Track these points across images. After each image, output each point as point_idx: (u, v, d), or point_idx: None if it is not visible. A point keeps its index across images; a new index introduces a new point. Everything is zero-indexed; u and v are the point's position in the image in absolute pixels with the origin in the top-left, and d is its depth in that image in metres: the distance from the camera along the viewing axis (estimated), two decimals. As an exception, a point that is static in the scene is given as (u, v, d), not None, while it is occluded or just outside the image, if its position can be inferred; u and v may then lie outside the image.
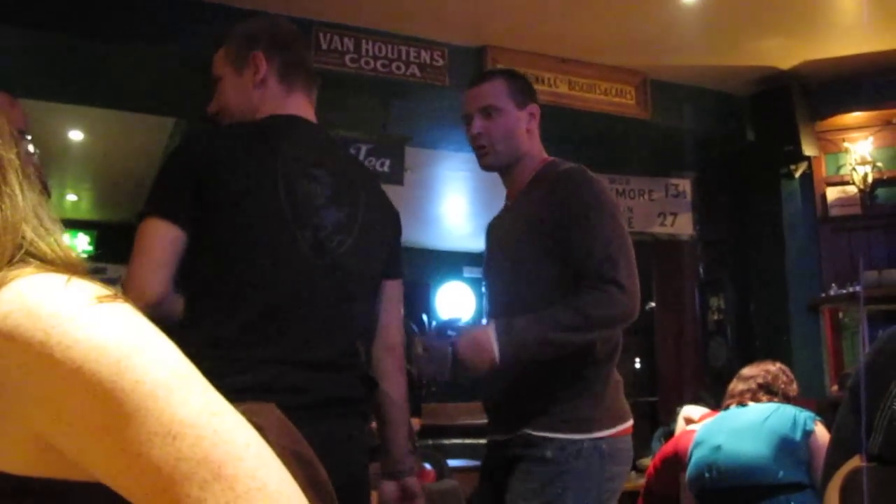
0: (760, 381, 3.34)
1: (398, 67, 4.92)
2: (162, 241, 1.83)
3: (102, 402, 0.70)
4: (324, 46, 4.74)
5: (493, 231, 2.62)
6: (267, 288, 1.85)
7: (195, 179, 1.85)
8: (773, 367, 3.43)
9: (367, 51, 4.84)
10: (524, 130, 2.47)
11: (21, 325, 0.70)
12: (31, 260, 0.78)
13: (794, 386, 3.42)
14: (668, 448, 3.83)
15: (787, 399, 3.32)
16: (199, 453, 0.70)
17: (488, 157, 2.48)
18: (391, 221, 2.16)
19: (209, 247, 1.85)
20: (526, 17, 4.83)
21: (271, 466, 0.73)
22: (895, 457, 0.82)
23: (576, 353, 2.27)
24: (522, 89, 2.51)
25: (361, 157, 5.27)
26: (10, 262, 0.77)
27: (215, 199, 1.85)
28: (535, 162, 2.49)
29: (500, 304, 2.44)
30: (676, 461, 3.62)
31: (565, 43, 5.15)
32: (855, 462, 0.90)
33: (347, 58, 4.79)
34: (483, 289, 2.70)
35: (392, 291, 2.16)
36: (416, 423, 4.99)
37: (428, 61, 5.00)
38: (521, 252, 2.37)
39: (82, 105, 5.42)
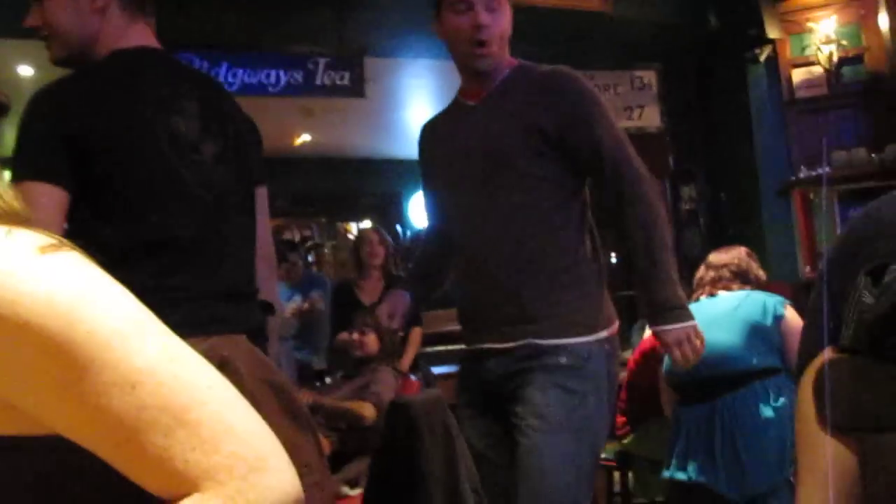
0: (734, 269, 3.35)
1: (350, -25, 4.79)
2: (47, 205, 1.69)
3: (55, 356, 0.68)
4: (272, -41, 4.59)
5: (447, 135, 2.42)
6: (171, 230, 1.78)
7: (64, 135, 1.73)
8: (743, 253, 3.43)
9: (317, -40, 4.70)
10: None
11: None
12: None
13: (762, 271, 3.44)
14: (645, 343, 3.88)
15: (758, 284, 3.34)
16: (160, 401, 0.68)
17: (486, 59, 2.28)
18: (255, 136, 2.08)
19: (98, 201, 1.76)
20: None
21: (236, 407, 0.72)
22: (867, 349, 0.81)
23: (566, 252, 2.22)
24: None
25: (319, 71, 5.17)
26: None
27: (90, 152, 1.74)
28: (503, 63, 2.33)
29: (479, 213, 2.29)
30: (654, 354, 3.67)
31: (520, -62, 5.02)
32: (828, 353, 0.90)
33: (297, -31, 4.65)
34: (433, 200, 2.53)
35: (261, 200, 2.06)
36: (417, 333, 4.99)
37: (381, -33, 4.87)
38: (510, 156, 2.22)
39: (31, 39, 5.24)
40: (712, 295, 3.33)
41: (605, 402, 2.22)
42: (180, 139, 1.83)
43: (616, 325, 2.31)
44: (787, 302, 3.18)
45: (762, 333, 3.09)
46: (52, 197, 1.70)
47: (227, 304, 1.79)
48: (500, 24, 2.27)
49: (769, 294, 3.22)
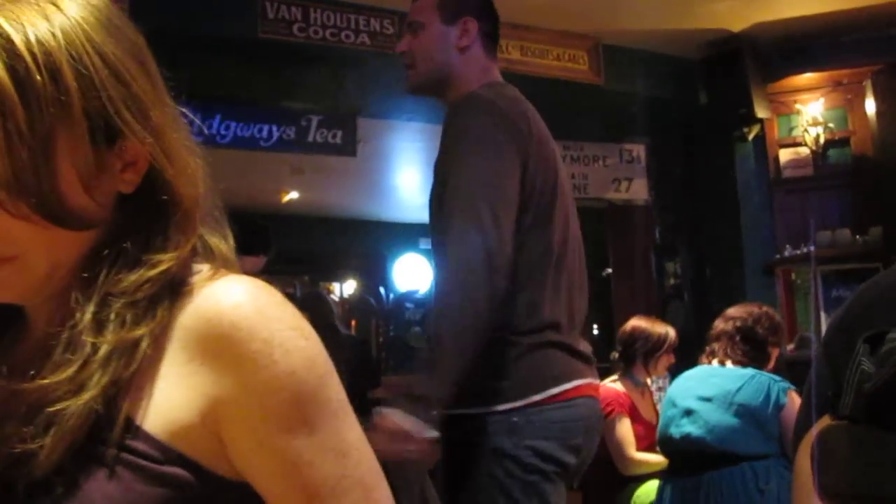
0: (739, 324, 3.27)
1: (347, 36, 4.83)
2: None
3: (303, 406, 0.77)
4: (270, 16, 4.63)
5: None
6: None
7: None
8: (758, 310, 3.34)
9: (315, 20, 4.74)
10: (452, 47, 2.14)
11: (250, 318, 0.76)
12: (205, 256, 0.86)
13: (778, 335, 3.32)
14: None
15: (765, 348, 3.25)
16: (358, 474, 0.79)
17: (409, 80, 2.20)
18: None
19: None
20: (476, -18, 4.77)
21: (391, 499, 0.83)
22: (866, 418, 0.79)
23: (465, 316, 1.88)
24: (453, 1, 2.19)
25: (312, 128, 5.19)
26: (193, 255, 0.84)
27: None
28: (469, 87, 2.12)
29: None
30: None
31: (517, 8, 5.09)
32: (825, 421, 0.88)
33: (295, 27, 4.68)
34: None
35: None
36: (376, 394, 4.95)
37: (378, 29, 4.91)
38: (434, 200, 2.13)
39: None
40: (722, 364, 3.24)
41: (502, 483, 1.89)
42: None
43: (547, 394, 1.95)
44: (792, 388, 3.10)
45: (760, 421, 3.01)
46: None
47: None
48: (422, 43, 2.17)
49: (775, 378, 3.11)
